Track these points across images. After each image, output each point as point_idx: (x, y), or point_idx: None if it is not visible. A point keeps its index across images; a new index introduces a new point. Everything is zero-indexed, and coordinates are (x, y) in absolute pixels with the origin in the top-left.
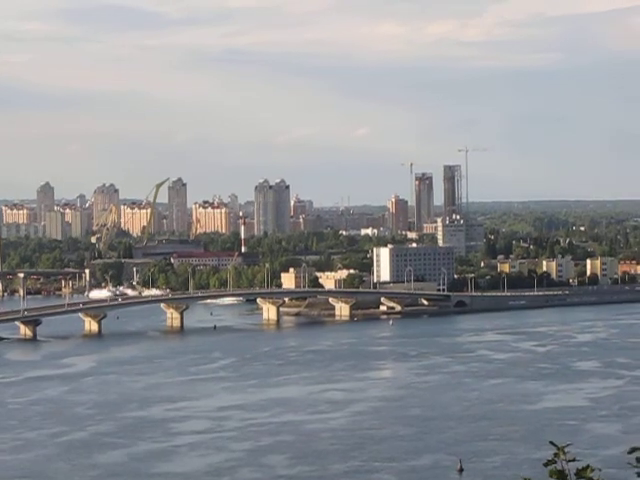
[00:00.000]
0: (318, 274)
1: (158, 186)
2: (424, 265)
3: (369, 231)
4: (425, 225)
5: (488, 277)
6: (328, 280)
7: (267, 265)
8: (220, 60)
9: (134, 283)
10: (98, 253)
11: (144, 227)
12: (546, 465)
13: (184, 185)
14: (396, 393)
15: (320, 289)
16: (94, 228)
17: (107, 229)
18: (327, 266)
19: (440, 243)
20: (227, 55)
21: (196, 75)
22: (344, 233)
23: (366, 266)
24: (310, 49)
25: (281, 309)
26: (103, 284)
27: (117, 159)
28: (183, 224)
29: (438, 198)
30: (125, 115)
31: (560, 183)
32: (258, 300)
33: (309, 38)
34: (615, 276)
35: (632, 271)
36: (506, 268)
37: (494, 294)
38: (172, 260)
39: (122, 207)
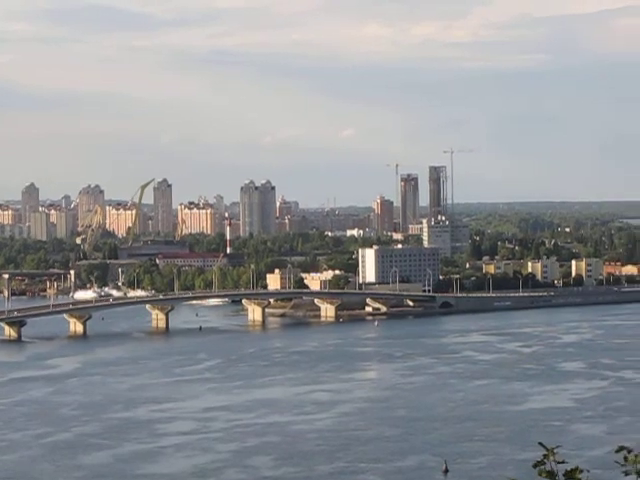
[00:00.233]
0: (303, 275)
1: (143, 187)
2: (409, 266)
3: (354, 232)
4: (410, 226)
5: (473, 278)
6: (313, 281)
7: (252, 266)
8: (207, 61)
9: (119, 284)
10: (83, 254)
11: (129, 228)
12: (535, 466)
13: (169, 186)
14: (381, 394)
15: (305, 290)
16: (79, 229)
17: (92, 230)
18: (312, 267)
19: (425, 244)
20: (214, 56)
21: (182, 76)
22: (329, 234)
23: (351, 267)
24: (297, 50)
25: (266, 310)
26: (88, 285)
27: (102, 160)
28: (168, 225)
29: (423, 199)
30: (111, 116)
31: (545, 184)
32: (243, 301)
33: (296, 39)
34: (600, 277)
35: (617, 272)
36: (491, 269)
37: (479, 295)
38: (157, 261)
39: (107, 208)
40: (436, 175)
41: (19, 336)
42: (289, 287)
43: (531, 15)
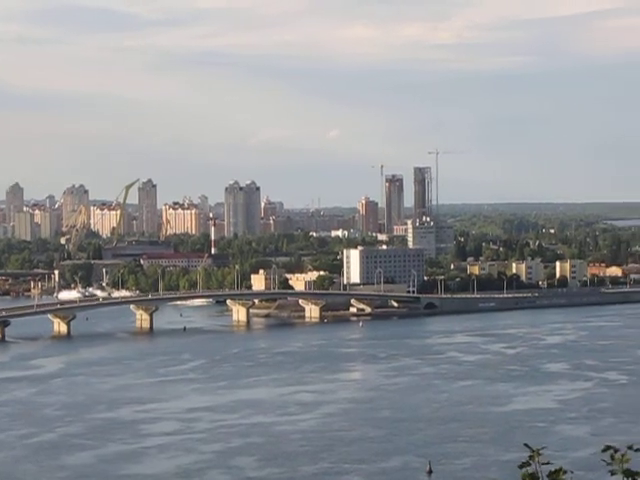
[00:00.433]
0: (288, 276)
1: (128, 187)
2: (394, 267)
3: (339, 233)
4: (395, 227)
5: (458, 279)
6: (298, 282)
7: (237, 266)
8: (193, 61)
9: (103, 284)
10: (67, 254)
11: (114, 228)
12: (521, 467)
13: (154, 186)
14: (366, 395)
15: (290, 291)
16: (63, 229)
17: (76, 230)
18: (297, 268)
19: (410, 245)
20: (200, 57)
21: (168, 76)
22: (314, 235)
23: (336, 268)
24: (283, 51)
25: (251, 311)
26: (72, 285)
27: (87, 160)
28: (153, 225)
29: (408, 200)
30: (95, 116)
31: (530, 186)
32: (228, 301)
33: (282, 40)
34: (584, 278)
35: (601, 274)
36: (476, 270)
37: (464, 296)
38: (142, 261)
39: (92, 208)
40: (421, 176)
41: (3, 336)
42: (274, 288)
43: (516, 17)
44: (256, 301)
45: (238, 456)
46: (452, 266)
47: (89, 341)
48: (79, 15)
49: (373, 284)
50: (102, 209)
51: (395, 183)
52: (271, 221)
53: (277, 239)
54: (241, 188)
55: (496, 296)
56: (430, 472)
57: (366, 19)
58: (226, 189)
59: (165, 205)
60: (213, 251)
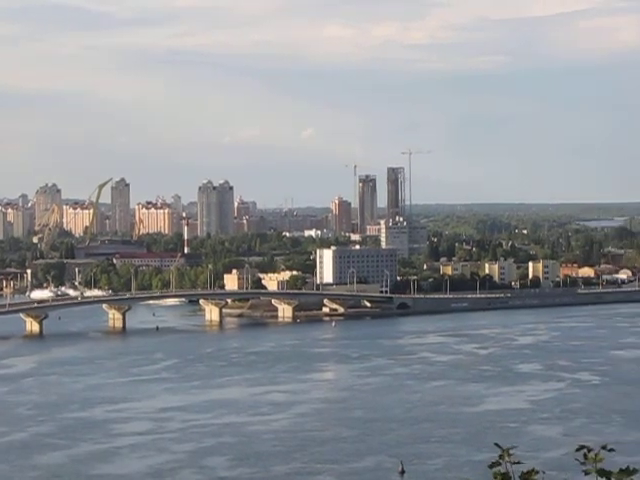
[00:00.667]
0: (261, 275)
1: (101, 186)
2: (367, 267)
3: (312, 232)
4: (368, 227)
5: (431, 279)
6: (271, 281)
7: (210, 266)
8: (166, 61)
9: (76, 283)
10: (40, 253)
11: (86, 227)
12: (491, 467)
13: (127, 185)
14: (338, 395)
15: (263, 290)
16: (36, 228)
17: (49, 229)
18: (270, 267)
19: (383, 245)
20: (174, 56)
21: (142, 75)
22: (287, 234)
23: (309, 267)
24: (257, 50)
25: (224, 310)
26: (45, 284)
27: (60, 159)
28: (126, 224)
29: (381, 200)
30: (69, 115)
31: (503, 186)
32: (201, 301)
33: (256, 39)
34: (557, 279)
35: (574, 274)
36: (449, 270)
37: (437, 296)
38: (114, 260)
39: (64, 207)
40: (394, 176)
41: None
42: (246, 287)
43: (489, 17)
44: (229, 301)
45: (210, 456)
46: (425, 266)
47: (61, 340)
48: (52, 13)
49: (346, 284)
50: (75, 208)
51: (368, 183)
52: (244, 221)
53: (250, 239)
54: (214, 187)
55: (469, 296)
56: (402, 472)
57: (341, 19)
58: (199, 188)
59: (138, 204)
60: (186, 250)
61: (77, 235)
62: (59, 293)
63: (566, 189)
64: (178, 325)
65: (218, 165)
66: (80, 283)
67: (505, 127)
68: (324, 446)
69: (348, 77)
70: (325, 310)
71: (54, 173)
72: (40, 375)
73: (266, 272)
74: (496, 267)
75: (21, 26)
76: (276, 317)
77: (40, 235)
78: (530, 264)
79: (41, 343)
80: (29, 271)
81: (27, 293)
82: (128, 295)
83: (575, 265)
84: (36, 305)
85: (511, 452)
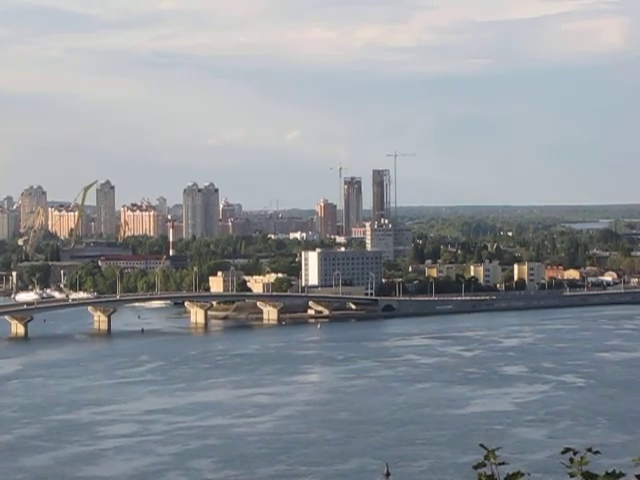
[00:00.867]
0: (246, 278)
1: (86, 189)
2: (352, 269)
3: (298, 235)
4: (354, 229)
5: (416, 282)
6: (256, 284)
7: (195, 268)
8: (150, 63)
9: (61, 286)
10: (25, 255)
11: (72, 230)
12: (476, 468)
13: (112, 188)
14: (323, 397)
15: (248, 293)
16: (21, 230)
17: (34, 231)
18: (255, 270)
19: (368, 247)
20: (158, 58)
21: (126, 77)
22: (273, 237)
23: (294, 270)
24: (241, 52)
25: (209, 313)
26: (30, 287)
27: (45, 161)
28: (111, 227)
29: (367, 202)
30: (53, 117)
31: (488, 188)
32: (186, 303)
33: (240, 42)
34: (542, 281)
35: (559, 276)
36: (434, 273)
37: (422, 299)
38: (100, 263)
39: (50, 209)
40: (379, 179)
41: None
42: (232, 290)
43: (474, 20)
44: (214, 303)
45: (195, 458)
46: (410, 268)
47: (47, 343)
48: (34, 16)
49: (331, 286)
50: (60, 210)
51: (354, 185)
52: (229, 223)
53: (235, 241)
54: (199, 190)
55: (454, 299)
56: (387, 474)
57: (324, 21)
58: (184, 191)
59: (123, 207)
60: (171, 253)
61: (62, 237)
62: (44, 295)
63: (551, 191)
64: (163, 327)
65: (203, 167)
66: (65, 285)
67: (490, 129)
68: (309, 448)
69: (333, 79)
70: (310, 312)
71: (39, 175)
72: (25, 377)
73: (251, 274)
74: (481, 269)
75: (3, 29)
76: (261, 319)
77: (25, 237)
78: (515, 266)
79: (26, 345)
80: (14, 273)
81: (12, 295)
82: (113, 297)
83: (560, 267)
84: (21, 307)
85: (496, 453)
